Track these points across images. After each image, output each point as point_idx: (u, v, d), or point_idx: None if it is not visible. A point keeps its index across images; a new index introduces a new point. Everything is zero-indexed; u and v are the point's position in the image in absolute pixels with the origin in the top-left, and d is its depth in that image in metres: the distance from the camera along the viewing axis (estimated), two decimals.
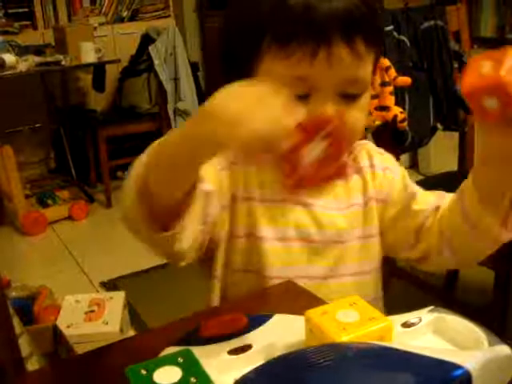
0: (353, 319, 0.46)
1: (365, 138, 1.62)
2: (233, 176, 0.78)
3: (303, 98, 0.69)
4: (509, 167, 0.62)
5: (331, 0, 0.66)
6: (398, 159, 1.65)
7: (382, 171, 0.82)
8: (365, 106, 0.74)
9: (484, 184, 0.66)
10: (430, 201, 0.78)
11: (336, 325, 0.46)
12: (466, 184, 0.69)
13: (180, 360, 0.41)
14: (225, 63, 0.78)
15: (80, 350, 1.41)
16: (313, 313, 0.48)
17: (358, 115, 0.72)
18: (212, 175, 0.73)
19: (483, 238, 0.69)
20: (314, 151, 0.59)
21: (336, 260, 0.78)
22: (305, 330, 0.48)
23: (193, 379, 0.39)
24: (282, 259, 0.77)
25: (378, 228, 0.81)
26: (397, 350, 0.42)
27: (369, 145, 0.86)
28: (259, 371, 0.40)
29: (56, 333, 1.54)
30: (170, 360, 0.41)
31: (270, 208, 0.78)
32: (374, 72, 0.75)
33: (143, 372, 0.40)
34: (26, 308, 1.77)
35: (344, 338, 0.44)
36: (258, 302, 0.70)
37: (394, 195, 0.80)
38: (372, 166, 0.82)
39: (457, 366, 0.39)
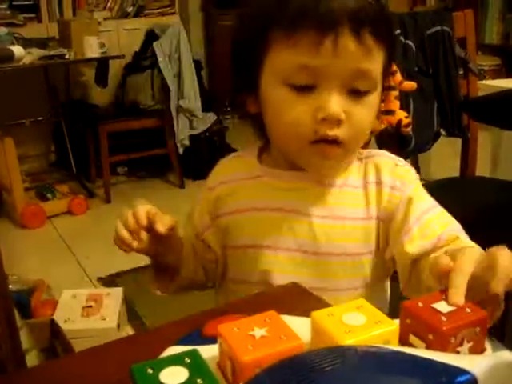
0: (359, 322, 0.46)
1: (369, 141, 1.62)
2: (222, 194, 0.81)
3: (309, 88, 0.68)
4: None
5: None
6: None
7: (390, 189, 0.76)
8: (373, 105, 0.71)
9: None
10: (426, 244, 0.70)
11: (341, 327, 0.45)
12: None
13: (187, 360, 0.41)
14: (234, 60, 0.78)
15: (77, 345, 1.41)
16: (318, 314, 0.47)
17: (365, 113, 0.70)
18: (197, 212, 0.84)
19: None
20: None
21: (328, 273, 0.77)
22: (310, 331, 0.48)
23: (199, 381, 0.39)
24: (281, 269, 0.77)
25: (373, 246, 0.77)
26: (402, 353, 0.42)
27: (380, 157, 0.80)
28: (264, 374, 0.40)
29: (53, 327, 1.53)
30: (177, 360, 0.41)
31: (265, 219, 0.78)
32: (384, 74, 0.73)
33: (149, 371, 0.40)
34: (23, 302, 1.76)
35: (349, 340, 0.44)
36: (261, 303, 0.69)
37: (398, 218, 0.74)
38: (379, 182, 0.77)
39: (463, 371, 0.39)
